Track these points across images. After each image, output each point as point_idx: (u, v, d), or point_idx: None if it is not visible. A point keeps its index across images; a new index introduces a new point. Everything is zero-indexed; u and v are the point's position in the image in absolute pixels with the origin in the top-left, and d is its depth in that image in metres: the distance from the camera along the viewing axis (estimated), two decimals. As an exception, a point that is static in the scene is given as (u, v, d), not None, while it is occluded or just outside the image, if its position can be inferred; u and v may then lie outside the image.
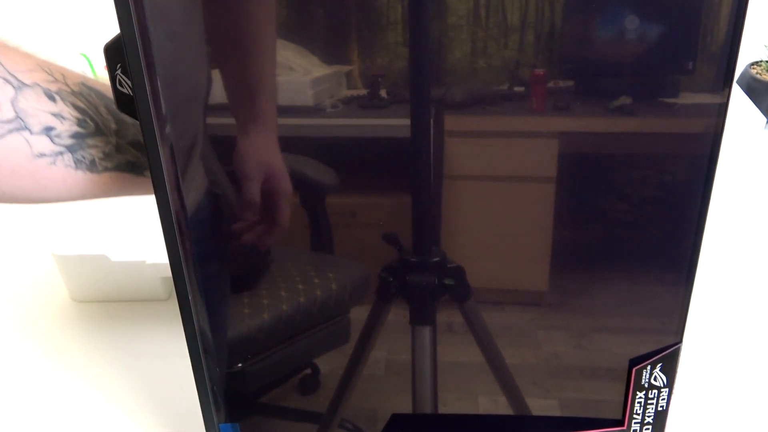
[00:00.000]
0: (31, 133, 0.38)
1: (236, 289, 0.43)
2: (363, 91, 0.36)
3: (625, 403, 0.45)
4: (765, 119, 0.79)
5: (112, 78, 0.37)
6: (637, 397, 0.45)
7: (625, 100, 0.36)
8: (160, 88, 0.35)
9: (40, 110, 0.39)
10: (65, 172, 0.40)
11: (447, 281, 0.43)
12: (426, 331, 0.45)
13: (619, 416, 0.46)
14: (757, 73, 0.86)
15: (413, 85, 0.36)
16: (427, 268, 0.42)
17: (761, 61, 0.88)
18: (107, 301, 0.64)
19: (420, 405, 0.46)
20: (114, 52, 0.37)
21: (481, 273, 0.42)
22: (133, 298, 0.64)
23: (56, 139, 0.39)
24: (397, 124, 0.37)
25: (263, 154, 0.38)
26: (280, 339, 0.44)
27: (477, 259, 0.42)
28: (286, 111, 0.37)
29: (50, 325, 0.63)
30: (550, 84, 0.36)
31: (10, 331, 0.62)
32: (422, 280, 0.43)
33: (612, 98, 0.36)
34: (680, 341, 0.43)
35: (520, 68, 0.35)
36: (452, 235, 0.41)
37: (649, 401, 0.45)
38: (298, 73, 0.36)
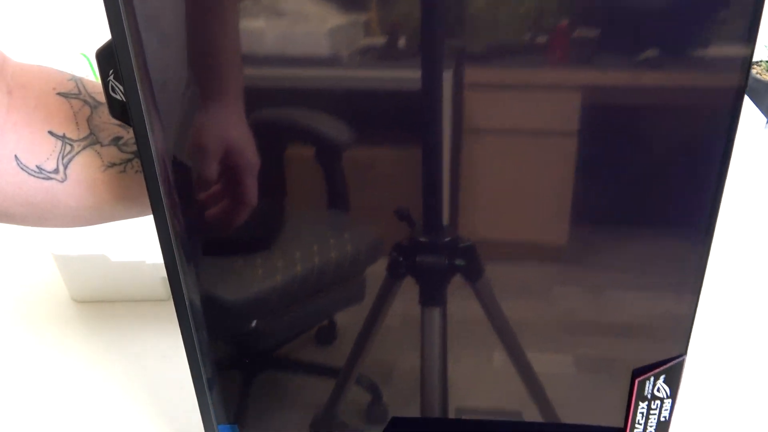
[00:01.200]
0: (102, 145, 0.41)
1: (249, 250, 0.42)
2: (381, 41, 0.35)
3: (627, 413, 0.44)
4: (765, 119, 0.79)
5: (105, 84, 0.37)
6: (640, 407, 0.44)
7: (652, 52, 0.35)
8: (154, 92, 0.35)
9: (108, 123, 0.41)
10: (136, 177, 0.41)
11: (458, 262, 0.42)
12: (436, 312, 0.44)
13: (620, 421, 0.45)
14: (757, 73, 0.86)
15: (431, 35, 0.35)
16: (438, 249, 0.41)
17: (761, 61, 0.88)
18: (107, 301, 0.64)
19: (428, 391, 0.46)
20: (105, 58, 0.37)
21: (499, 227, 0.41)
22: (133, 298, 0.64)
23: (123, 147, 0.41)
24: (414, 77, 0.35)
25: (222, 129, 0.38)
26: (294, 300, 0.44)
27: (495, 213, 0.41)
28: (301, 62, 0.36)
29: (50, 325, 0.63)
30: (575, 35, 0.34)
31: (10, 331, 0.62)
32: (432, 261, 0.42)
33: (639, 50, 0.35)
34: (684, 353, 0.42)
35: (544, 17, 0.34)
36: (471, 192, 0.40)
37: (651, 412, 0.45)
38: (313, 23, 0.34)
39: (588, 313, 0.43)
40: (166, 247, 0.40)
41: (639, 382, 0.43)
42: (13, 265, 0.69)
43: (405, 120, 0.38)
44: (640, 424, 0.45)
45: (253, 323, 0.44)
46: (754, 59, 0.88)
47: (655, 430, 0.45)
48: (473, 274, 0.42)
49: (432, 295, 0.43)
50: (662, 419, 0.45)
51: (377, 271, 0.42)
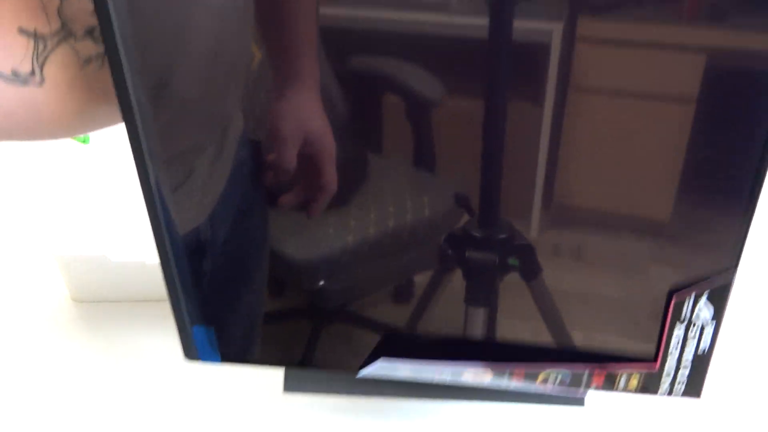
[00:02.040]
0: (76, 39, 0.37)
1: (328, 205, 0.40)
2: None
3: (660, 340, 0.37)
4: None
5: None
6: (675, 332, 0.36)
7: None
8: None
9: (80, 11, 0.38)
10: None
11: (512, 261, 0.38)
12: (480, 312, 0.40)
13: (651, 353, 0.38)
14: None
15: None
16: (491, 246, 0.37)
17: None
18: (107, 301, 0.64)
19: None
20: None
21: (597, 193, 0.37)
22: (133, 298, 0.64)
23: (99, 39, 0.38)
24: (522, 27, 0.32)
25: (302, 116, 0.37)
26: (363, 260, 0.41)
27: (593, 178, 0.36)
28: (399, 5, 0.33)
29: (50, 325, 0.63)
30: None
31: (11, 331, 0.62)
32: (482, 258, 0.38)
33: None
34: (735, 267, 0.35)
35: None
36: (570, 151, 0.35)
37: (689, 338, 0.37)
38: None
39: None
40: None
41: (677, 300, 0.36)
42: (13, 265, 0.69)
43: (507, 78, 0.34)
44: (674, 355, 0.37)
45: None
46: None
47: (692, 363, 0.38)
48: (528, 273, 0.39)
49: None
50: (701, 351, 0.37)
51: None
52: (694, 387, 0.38)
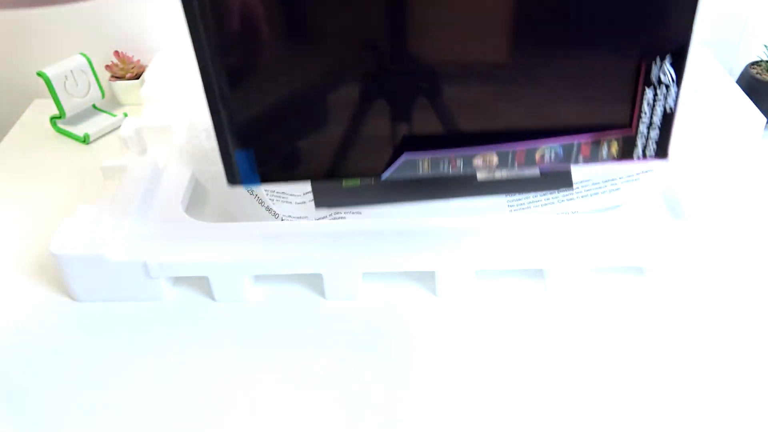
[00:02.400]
0: None
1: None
2: None
3: (633, 105, 0.45)
4: (765, 119, 0.79)
5: None
6: (646, 94, 0.44)
7: None
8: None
9: None
10: None
11: (423, 85, 0.45)
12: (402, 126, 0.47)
13: (627, 119, 0.46)
14: (757, 73, 0.86)
15: None
16: (405, 74, 0.44)
17: (761, 61, 0.88)
18: (107, 301, 0.65)
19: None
20: None
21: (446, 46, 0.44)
22: (133, 298, 0.64)
23: None
24: None
25: None
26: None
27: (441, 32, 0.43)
28: None
29: (50, 325, 0.63)
30: None
31: (10, 331, 0.62)
32: (399, 85, 0.45)
33: None
34: (690, 34, 0.42)
35: None
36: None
37: (657, 100, 0.44)
38: None
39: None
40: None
41: (646, 64, 0.43)
42: (13, 265, 0.69)
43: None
44: (646, 114, 0.45)
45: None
46: (754, 59, 0.88)
47: (660, 121, 0.45)
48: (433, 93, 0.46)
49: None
50: (668, 109, 0.45)
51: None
52: (662, 148, 0.47)
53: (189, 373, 0.58)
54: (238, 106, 0.46)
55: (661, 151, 0.47)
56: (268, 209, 0.68)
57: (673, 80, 0.44)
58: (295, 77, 0.47)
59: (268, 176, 0.50)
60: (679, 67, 0.44)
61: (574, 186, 0.66)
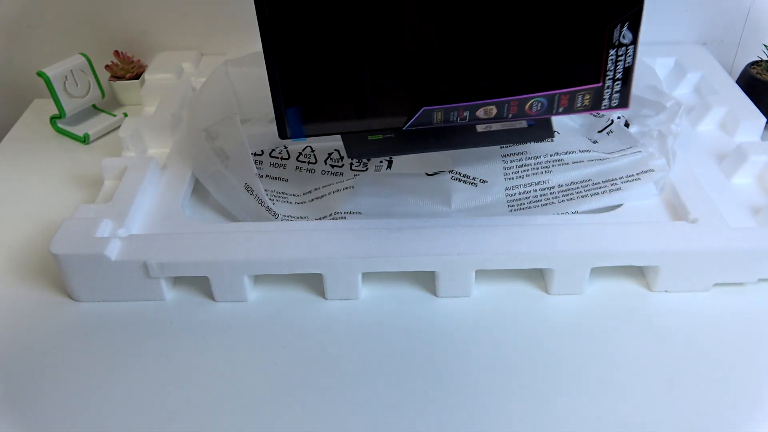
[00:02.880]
0: None
1: None
2: None
3: (600, 64, 0.55)
4: (765, 119, 0.79)
5: None
6: (610, 55, 0.55)
7: None
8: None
9: None
10: None
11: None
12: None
13: (597, 77, 0.56)
14: (757, 73, 0.86)
15: None
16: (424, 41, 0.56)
17: (761, 61, 0.88)
18: (107, 301, 0.65)
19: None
20: None
21: None
22: (133, 298, 0.64)
23: None
24: None
25: None
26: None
27: None
28: None
29: (50, 325, 0.63)
30: None
31: (10, 332, 0.62)
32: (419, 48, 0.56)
33: None
34: (641, 3, 0.53)
35: None
36: None
37: (618, 58, 0.55)
38: None
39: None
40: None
41: (609, 29, 0.54)
42: (13, 264, 0.69)
43: None
44: (611, 71, 0.56)
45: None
46: (754, 59, 0.88)
47: (622, 74, 0.56)
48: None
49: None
50: (627, 65, 0.55)
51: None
52: (624, 98, 0.57)
53: (189, 373, 0.58)
54: (289, 71, 0.56)
55: (623, 101, 0.57)
56: (268, 209, 0.68)
57: (630, 41, 0.54)
58: (336, 49, 0.56)
59: (312, 131, 0.59)
60: (635, 30, 0.54)
61: (574, 186, 0.66)
